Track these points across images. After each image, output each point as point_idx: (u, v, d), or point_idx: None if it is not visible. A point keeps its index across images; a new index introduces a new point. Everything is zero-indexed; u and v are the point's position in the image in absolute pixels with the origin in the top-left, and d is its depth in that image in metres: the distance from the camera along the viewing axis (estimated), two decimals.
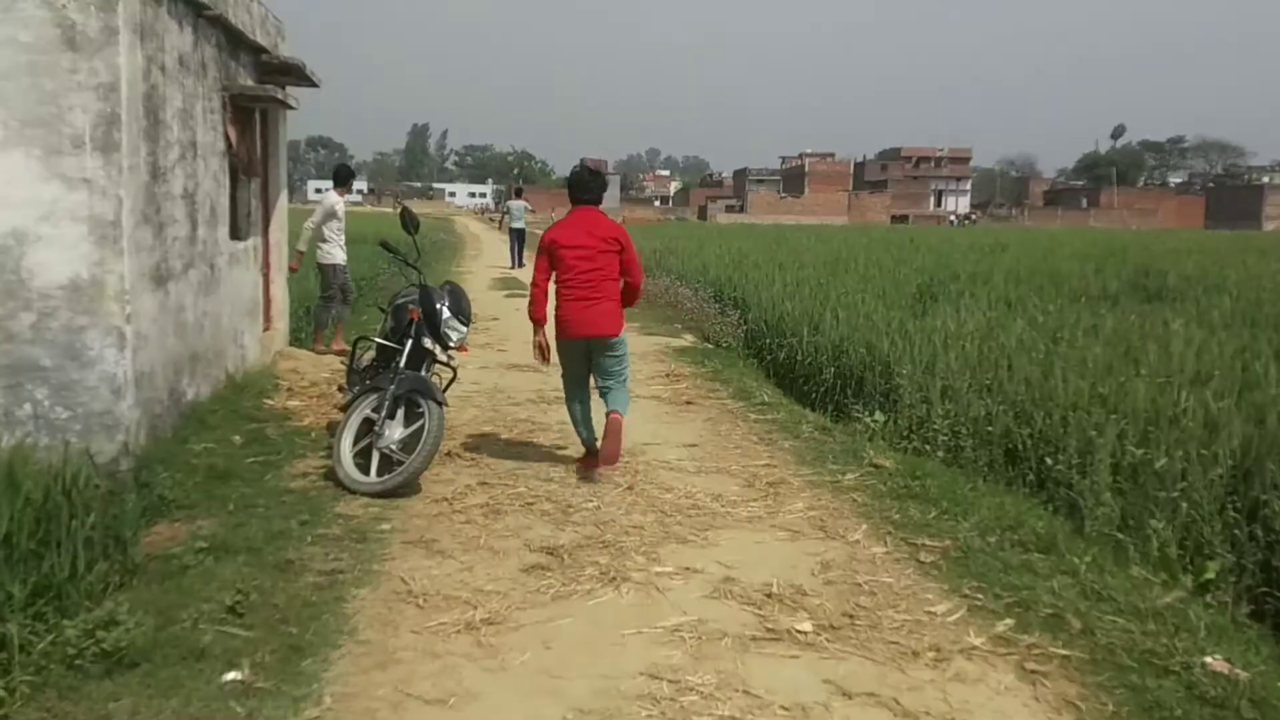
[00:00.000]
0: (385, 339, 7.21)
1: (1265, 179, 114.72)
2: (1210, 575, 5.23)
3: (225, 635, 4.19)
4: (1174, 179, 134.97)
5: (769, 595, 4.82)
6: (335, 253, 11.73)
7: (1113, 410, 7.19)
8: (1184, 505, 5.77)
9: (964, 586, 4.95)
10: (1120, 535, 5.85)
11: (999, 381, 8.36)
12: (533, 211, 26.19)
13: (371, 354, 7.52)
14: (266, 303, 10.20)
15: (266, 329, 10.09)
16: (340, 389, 7.95)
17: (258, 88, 9.01)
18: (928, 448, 7.84)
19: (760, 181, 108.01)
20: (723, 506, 6.24)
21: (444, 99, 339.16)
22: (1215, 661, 4.14)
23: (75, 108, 5.83)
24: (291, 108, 10.01)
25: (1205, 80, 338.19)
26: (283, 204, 10.92)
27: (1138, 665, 4.17)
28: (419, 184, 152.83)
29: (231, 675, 3.88)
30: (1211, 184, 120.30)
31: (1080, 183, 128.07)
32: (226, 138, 8.41)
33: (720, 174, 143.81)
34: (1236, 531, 5.52)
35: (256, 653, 4.06)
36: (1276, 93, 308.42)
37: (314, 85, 10.57)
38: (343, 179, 12.49)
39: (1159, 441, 6.46)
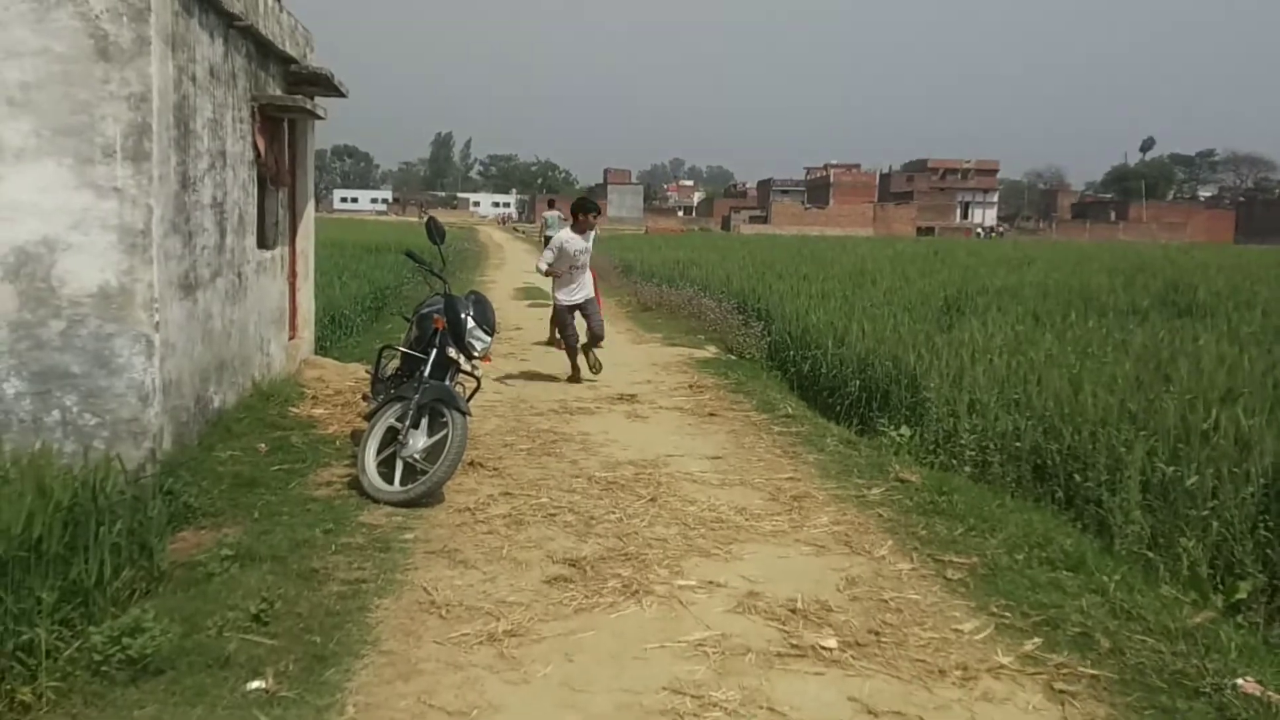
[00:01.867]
0: (410, 348, 7.22)
1: None
2: (1242, 595, 5.16)
3: (249, 643, 4.20)
4: (1204, 193, 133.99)
5: (793, 610, 4.79)
6: (561, 296, 11.11)
7: (1142, 427, 7.11)
8: (1215, 524, 5.70)
9: (991, 604, 4.90)
10: (1150, 554, 5.78)
11: (1027, 396, 8.29)
12: (565, 220, 26.40)
13: (396, 363, 7.53)
14: (293, 311, 10.25)
15: (292, 337, 10.14)
16: (365, 398, 7.98)
17: (286, 98, 9.06)
18: (954, 463, 7.79)
19: (785, 192, 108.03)
20: (746, 520, 6.21)
21: (468, 109, 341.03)
22: (1247, 683, 4.07)
23: (107, 117, 5.88)
24: (320, 118, 10.07)
25: (1236, 93, 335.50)
26: (309, 213, 10.98)
27: (1168, 686, 4.11)
28: (443, 193, 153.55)
29: (255, 684, 3.89)
30: (1242, 198, 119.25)
31: (1109, 196, 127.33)
32: (255, 147, 8.46)
33: (744, 184, 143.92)
34: (1269, 551, 5.44)
35: (280, 661, 4.07)
36: None
37: (342, 95, 10.64)
38: (584, 212, 11.11)
39: (1189, 459, 6.38)
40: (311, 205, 11.10)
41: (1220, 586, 5.30)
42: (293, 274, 10.26)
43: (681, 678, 4.12)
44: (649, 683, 4.06)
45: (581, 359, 11.34)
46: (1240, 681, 4.08)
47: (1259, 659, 4.42)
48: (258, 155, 8.52)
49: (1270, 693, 4.01)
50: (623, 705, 3.87)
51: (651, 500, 6.53)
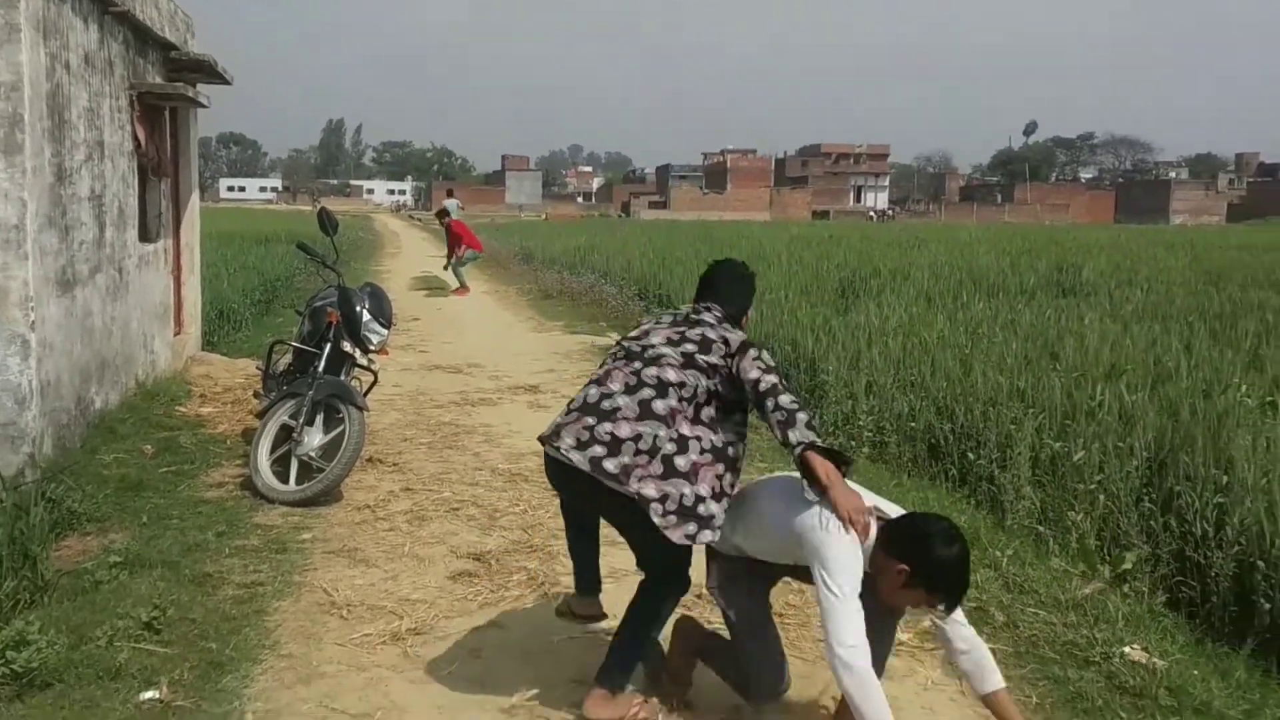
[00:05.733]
0: (302, 343, 7.04)
1: (1173, 174, 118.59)
2: (1128, 566, 5.34)
3: (141, 653, 4.05)
4: (1085, 174, 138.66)
5: (699, 595, 4.78)
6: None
7: (1031, 404, 7.32)
8: (1101, 497, 5.89)
9: None
10: (1040, 528, 5.95)
11: (921, 377, 8.47)
12: (463, 209, 26.21)
13: (288, 358, 7.34)
14: (178, 306, 9.93)
15: (178, 333, 9.82)
16: (256, 395, 7.76)
17: (167, 85, 8.76)
18: (853, 444, 7.91)
19: (683, 178, 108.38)
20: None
21: (359, 95, 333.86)
22: (1134, 651, 4.24)
23: None
24: (202, 105, 9.75)
25: (1114, 78, 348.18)
26: (194, 204, 10.64)
27: (1059, 657, 4.26)
28: (335, 181, 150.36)
29: (149, 694, 3.75)
30: (1121, 179, 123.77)
31: (995, 179, 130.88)
32: (135, 137, 8.16)
33: (643, 170, 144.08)
34: (1152, 522, 5.64)
35: (175, 670, 3.94)
36: (1183, 90, 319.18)
37: (226, 82, 10.32)
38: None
39: (1076, 435, 6.58)
40: (196, 196, 10.75)
41: (1107, 558, 5.48)
42: (177, 267, 9.93)
43: (591, 667, 4.09)
44: (558, 674, 4.05)
45: None
46: (1128, 650, 4.24)
47: (1144, 627, 4.60)
48: (138, 145, 8.21)
49: (1155, 659, 4.17)
50: (531, 699, 3.84)
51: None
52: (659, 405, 3.56)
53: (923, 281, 16.82)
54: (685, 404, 3.58)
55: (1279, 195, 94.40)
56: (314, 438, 6.35)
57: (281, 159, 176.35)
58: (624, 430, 3.52)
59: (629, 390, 3.61)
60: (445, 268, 20.49)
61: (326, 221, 7.23)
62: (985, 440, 6.93)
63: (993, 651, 4.23)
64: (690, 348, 3.69)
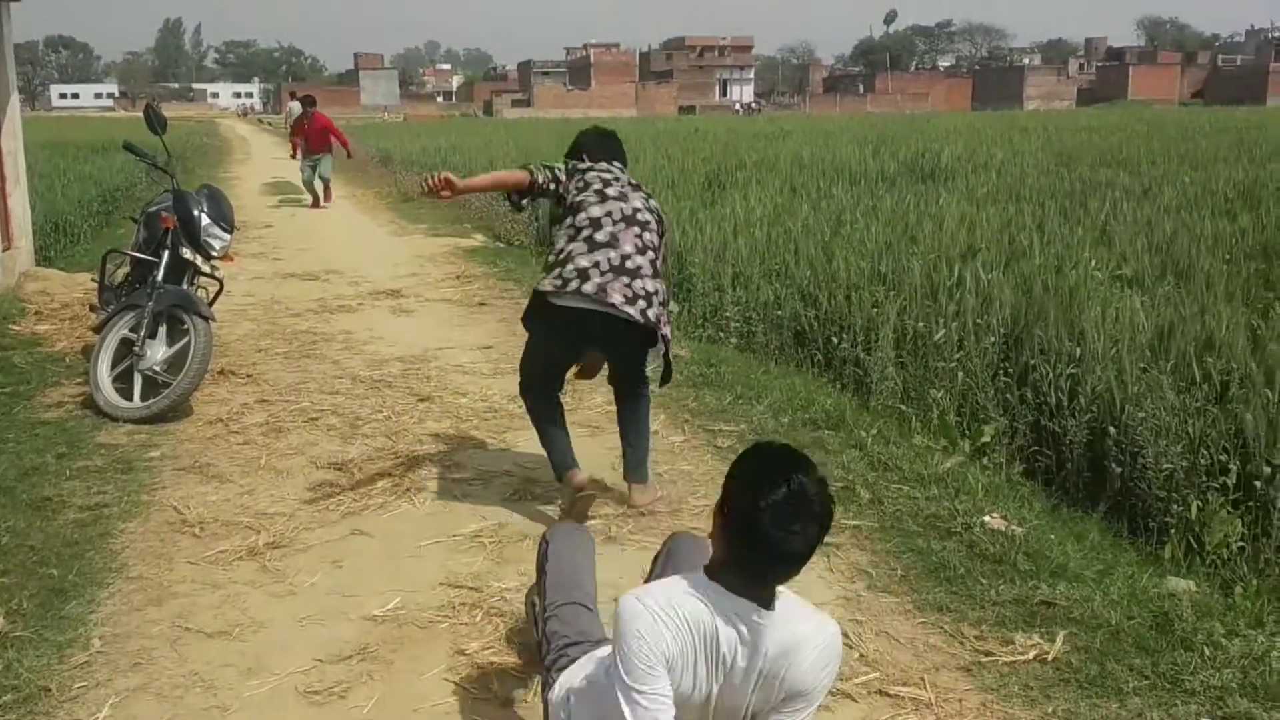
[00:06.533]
0: (139, 251, 6.61)
1: (1026, 60, 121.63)
2: (986, 439, 5.49)
3: None
4: (943, 63, 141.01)
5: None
6: None
7: (893, 287, 7.42)
8: (961, 374, 6.02)
9: None
10: (903, 407, 6.07)
11: (786, 265, 8.49)
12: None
13: (126, 269, 6.90)
14: (5, 218, 9.23)
15: (7, 248, 9.15)
16: (92, 309, 7.31)
17: None
18: (721, 335, 7.93)
19: (546, 74, 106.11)
20: (520, 408, 6.06)
21: None
22: (993, 520, 4.35)
23: None
24: None
25: None
26: (14, 107, 9.83)
27: (923, 529, 4.34)
28: (176, 85, 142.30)
29: None
30: (977, 66, 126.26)
31: (857, 69, 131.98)
32: None
33: (504, 67, 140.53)
34: (1009, 395, 5.80)
35: (12, 599, 3.70)
36: None
37: None
38: None
39: (937, 315, 6.70)
40: (16, 100, 9.93)
41: (967, 432, 5.62)
42: (0, 177, 9.21)
43: (458, 570, 4.02)
44: (424, 580, 3.95)
45: None
46: (987, 519, 4.36)
47: (1002, 496, 4.74)
48: None
49: (1013, 526, 4.30)
50: (396, 606, 3.73)
51: (421, 398, 6.29)
52: (657, 265, 4.39)
53: (787, 172, 16.86)
54: (658, 259, 4.43)
55: (1125, 78, 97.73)
56: (157, 351, 6.01)
57: (116, 63, 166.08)
58: (649, 285, 4.27)
59: (640, 251, 4.32)
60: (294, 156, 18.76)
61: (154, 119, 6.72)
62: (849, 325, 7.00)
63: (858, 528, 4.34)
64: (655, 214, 4.55)
